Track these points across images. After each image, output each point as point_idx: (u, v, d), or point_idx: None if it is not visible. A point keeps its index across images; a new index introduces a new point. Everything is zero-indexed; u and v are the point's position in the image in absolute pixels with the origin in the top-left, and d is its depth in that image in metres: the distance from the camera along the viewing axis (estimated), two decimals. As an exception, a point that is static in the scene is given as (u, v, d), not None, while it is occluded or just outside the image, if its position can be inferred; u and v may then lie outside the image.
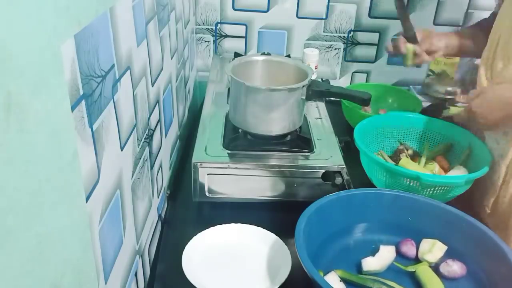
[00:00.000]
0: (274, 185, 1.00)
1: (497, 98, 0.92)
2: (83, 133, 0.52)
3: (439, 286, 0.79)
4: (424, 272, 0.82)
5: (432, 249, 0.85)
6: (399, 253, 0.87)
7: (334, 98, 1.29)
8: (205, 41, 1.61)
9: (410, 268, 0.83)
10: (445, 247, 0.86)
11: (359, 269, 0.83)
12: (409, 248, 0.87)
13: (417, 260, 0.86)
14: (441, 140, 1.15)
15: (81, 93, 0.51)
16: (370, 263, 0.83)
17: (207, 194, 1.00)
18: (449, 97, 1.47)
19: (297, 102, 1.02)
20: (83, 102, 0.51)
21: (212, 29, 1.58)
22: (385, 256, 0.85)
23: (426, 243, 0.87)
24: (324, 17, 1.54)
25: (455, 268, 0.82)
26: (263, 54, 1.16)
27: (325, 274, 0.80)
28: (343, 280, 0.78)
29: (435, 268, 0.83)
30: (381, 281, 0.79)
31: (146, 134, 0.83)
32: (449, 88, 1.47)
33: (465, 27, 1.48)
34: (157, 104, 0.93)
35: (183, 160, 1.19)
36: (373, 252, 0.86)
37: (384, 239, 0.89)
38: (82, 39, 0.50)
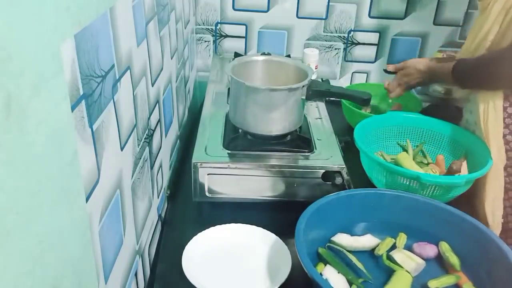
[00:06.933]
0: (274, 185, 1.00)
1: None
2: (83, 133, 0.52)
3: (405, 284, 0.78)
4: (399, 274, 0.80)
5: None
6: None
7: (334, 98, 1.29)
8: (205, 41, 1.61)
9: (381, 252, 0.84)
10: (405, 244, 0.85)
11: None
12: (423, 249, 0.86)
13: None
14: (441, 140, 1.15)
15: (81, 93, 0.51)
16: (341, 238, 0.86)
17: (207, 194, 1.00)
18: (449, 97, 1.47)
19: (297, 102, 1.02)
20: (83, 102, 0.51)
21: (212, 29, 1.58)
22: (361, 240, 0.87)
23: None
24: (324, 17, 1.54)
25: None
26: (263, 54, 1.16)
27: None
28: None
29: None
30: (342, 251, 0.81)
31: (146, 134, 0.83)
32: (449, 88, 1.47)
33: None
34: (157, 104, 0.93)
35: (183, 160, 1.19)
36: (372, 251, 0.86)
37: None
38: (82, 39, 0.50)
